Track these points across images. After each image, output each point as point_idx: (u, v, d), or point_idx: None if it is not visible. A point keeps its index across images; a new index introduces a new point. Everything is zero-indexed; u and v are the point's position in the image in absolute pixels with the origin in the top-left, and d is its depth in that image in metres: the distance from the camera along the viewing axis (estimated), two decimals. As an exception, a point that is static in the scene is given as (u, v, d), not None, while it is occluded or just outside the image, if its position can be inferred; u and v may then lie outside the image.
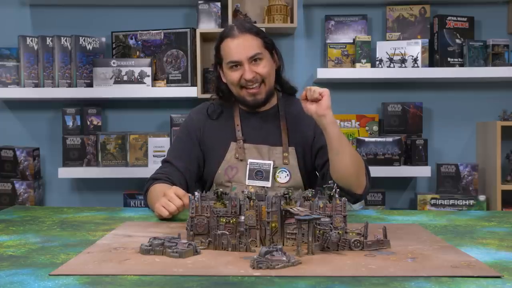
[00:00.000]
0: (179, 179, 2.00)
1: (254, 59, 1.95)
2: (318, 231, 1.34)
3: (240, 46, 1.95)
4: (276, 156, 1.99)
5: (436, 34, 3.22)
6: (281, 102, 2.09)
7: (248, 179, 1.96)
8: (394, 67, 3.13)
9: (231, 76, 1.98)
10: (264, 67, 1.97)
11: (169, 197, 1.71)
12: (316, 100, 1.82)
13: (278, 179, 1.97)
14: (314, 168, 2.07)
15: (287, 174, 1.98)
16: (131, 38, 3.24)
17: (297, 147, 2.02)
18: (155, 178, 2.00)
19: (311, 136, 2.04)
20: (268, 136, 2.03)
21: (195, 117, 2.11)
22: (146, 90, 3.12)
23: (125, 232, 1.57)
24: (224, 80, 2.05)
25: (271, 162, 1.97)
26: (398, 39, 3.24)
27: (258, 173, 1.96)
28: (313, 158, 2.05)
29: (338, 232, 1.33)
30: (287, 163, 1.99)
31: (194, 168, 2.05)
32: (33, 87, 3.16)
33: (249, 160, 1.97)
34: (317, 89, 1.81)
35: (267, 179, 1.95)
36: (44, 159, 3.37)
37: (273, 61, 2.04)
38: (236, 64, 1.96)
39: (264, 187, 1.92)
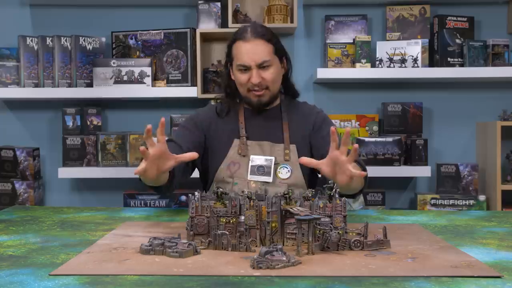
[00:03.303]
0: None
1: (262, 65, 1.99)
2: (318, 231, 1.34)
3: (250, 51, 1.98)
4: (278, 152, 2.02)
5: (436, 34, 3.22)
6: (284, 104, 2.14)
7: (250, 174, 1.99)
8: (394, 67, 3.13)
9: (240, 77, 2.03)
10: (271, 74, 2.01)
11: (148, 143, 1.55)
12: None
13: (280, 175, 2.00)
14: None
15: (288, 170, 2.00)
16: (131, 38, 3.24)
17: (298, 145, 2.06)
18: None
19: (310, 133, 2.08)
20: (271, 134, 2.06)
21: (202, 113, 2.15)
22: (146, 90, 3.12)
23: (125, 232, 1.57)
24: (233, 77, 2.10)
25: (273, 158, 1.99)
26: (398, 39, 3.24)
27: (260, 169, 1.99)
28: (309, 152, 2.07)
29: (338, 232, 1.33)
30: (288, 159, 2.02)
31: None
32: (33, 87, 3.16)
33: (251, 156, 2.00)
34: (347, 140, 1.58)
35: (268, 174, 1.98)
36: (44, 159, 3.37)
37: (282, 66, 2.08)
38: (245, 68, 2.00)
39: (265, 182, 1.95)
